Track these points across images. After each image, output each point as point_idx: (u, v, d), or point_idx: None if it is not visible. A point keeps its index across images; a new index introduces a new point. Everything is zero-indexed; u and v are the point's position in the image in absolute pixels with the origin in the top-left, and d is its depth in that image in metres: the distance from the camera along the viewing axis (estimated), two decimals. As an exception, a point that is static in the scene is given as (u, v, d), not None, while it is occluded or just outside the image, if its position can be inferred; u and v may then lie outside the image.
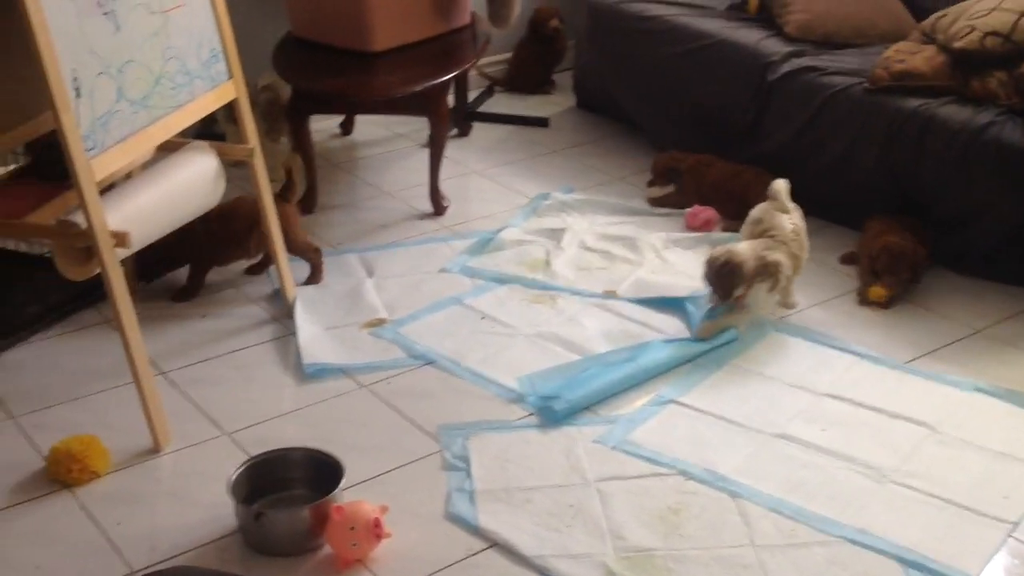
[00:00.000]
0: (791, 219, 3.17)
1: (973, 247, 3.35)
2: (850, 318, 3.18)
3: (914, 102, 3.45)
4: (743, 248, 3.07)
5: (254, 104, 3.85)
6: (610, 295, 3.28)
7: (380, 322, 3.14)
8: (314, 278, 3.33)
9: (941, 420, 2.72)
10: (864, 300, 3.24)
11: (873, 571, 2.26)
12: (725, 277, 3.03)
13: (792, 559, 2.29)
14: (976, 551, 2.32)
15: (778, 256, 3.07)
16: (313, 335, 3.06)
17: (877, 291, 3.21)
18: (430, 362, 2.93)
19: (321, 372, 2.90)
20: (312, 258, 3.34)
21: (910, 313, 3.20)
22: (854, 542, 2.34)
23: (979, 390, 2.84)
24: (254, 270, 3.36)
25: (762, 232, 3.14)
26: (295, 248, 3.28)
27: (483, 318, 3.14)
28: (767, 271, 3.05)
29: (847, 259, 3.42)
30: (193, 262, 3.26)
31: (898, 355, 3.00)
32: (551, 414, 2.72)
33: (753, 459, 2.59)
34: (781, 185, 3.21)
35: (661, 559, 2.29)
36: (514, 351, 3.00)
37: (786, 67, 3.77)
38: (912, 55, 3.58)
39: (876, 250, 3.25)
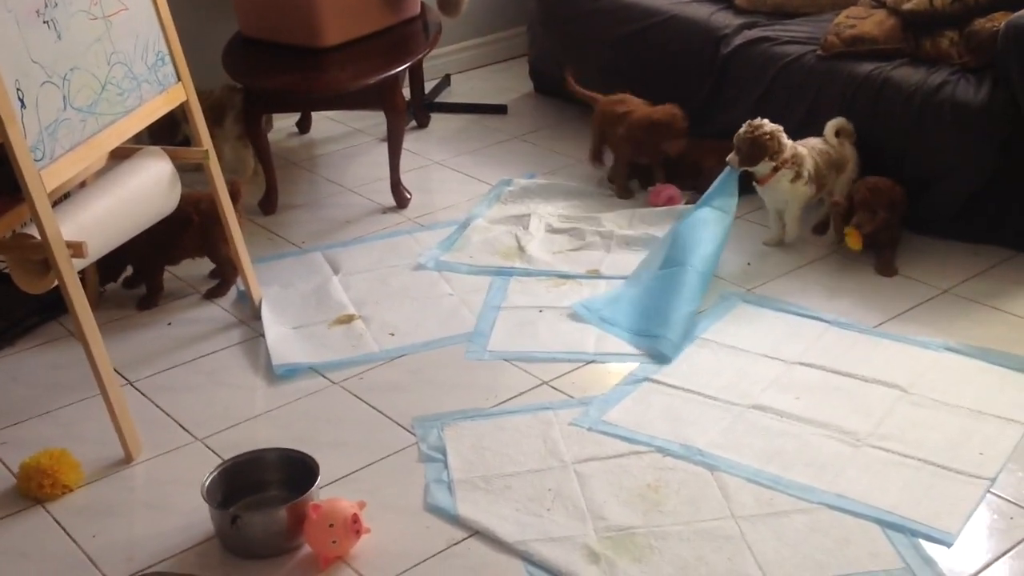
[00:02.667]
0: (825, 143, 3.38)
1: (936, 208, 3.36)
2: (818, 286, 3.18)
3: (867, 67, 3.46)
4: (785, 136, 3.28)
5: (229, 107, 3.82)
6: (593, 275, 3.27)
7: (349, 318, 3.11)
8: (219, 291, 3.27)
9: (913, 381, 2.73)
10: (842, 242, 3.29)
11: (853, 535, 2.26)
12: (758, 145, 3.24)
13: (773, 528, 2.29)
14: (955, 509, 2.33)
15: (805, 151, 3.30)
16: (281, 335, 3.03)
17: (853, 237, 3.23)
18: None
19: (292, 372, 2.88)
20: (228, 274, 3.27)
21: (877, 277, 3.21)
22: (833, 507, 2.34)
23: (949, 349, 2.85)
24: (215, 292, 3.29)
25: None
26: (217, 258, 3.24)
27: (540, 311, 3.11)
28: (796, 160, 3.26)
29: (819, 228, 3.43)
30: (137, 264, 3.21)
31: (867, 320, 3.00)
32: (662, 357, 2.86)
33: (729, 431, 2.59)
34: (838, 123, 3.41)
35: (643, 536, 2.28)
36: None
37: (738, 39, 3.77)
38: (862, 20, 3.59)
39: (855, 187, 3.30)
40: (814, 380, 2.76)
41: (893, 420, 2.60)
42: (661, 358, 2.87)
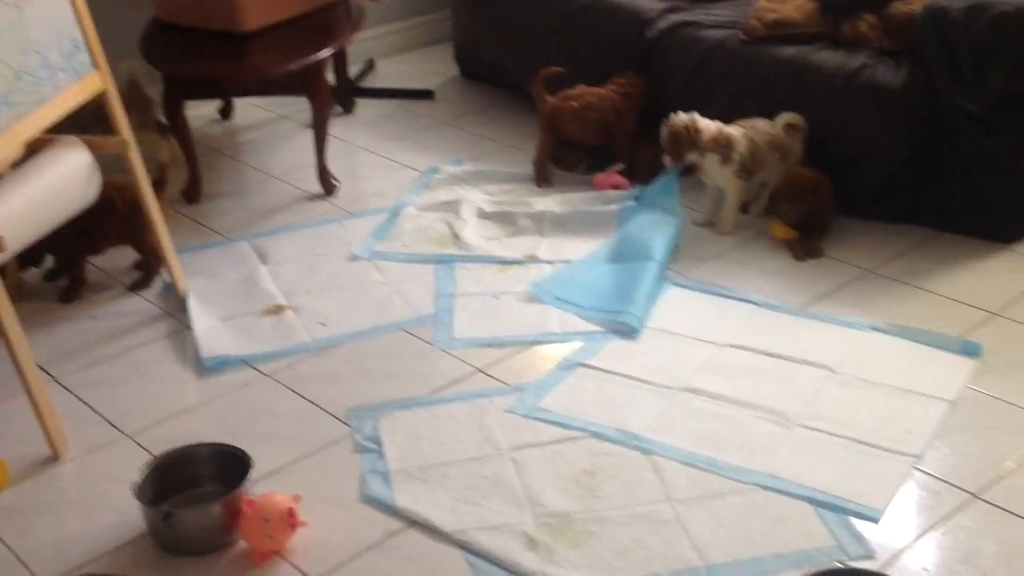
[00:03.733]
0: (773, 127, 3.41)
1: (860, 189, 3.42)
2: (747, 268, 3.22)
3: (789, 50, 3.50)
4: (705, 121, 3.34)
5: (131, 95, 3.74)
6: (531, 259, 3.27)
7: (279, 309, 3.08)
8: (144, 282, 3.22)
9: (841, 361, 2.78)
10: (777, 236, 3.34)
11: (787, 514, 2.30)
12: (677, 141, 3.33)
13: (708, 510, 2.32)
14: (884, 486, 2.38)
15: (734, 131, 3.33)
16: (210, 327, 2.98)
17: (780, 230, 3.28)
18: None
19: (222, 364, 2.83)
20: (152, 265, 3.22)
21: (805, 259, 3.26)
22: (766, 488, 2.38)
23: (875, 329, 2.91)
24: (140, 284, 3.22)
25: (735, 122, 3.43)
26: (141, 247, 3.19)
27: (495, 296, 3.10)
28: (719, 142, 3.29)
29: (747, 206, 3.48)
30: (59, 254, 3.14)
31: (795, 301, 3.05)
32: (630, 330, 2.90)
33: (663, 415, 2.61)
34: (790, 118, 3.44)
35: (580, 522, 2.29)
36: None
37: (663, 24, 3.78)
38: (783, 4, 3.64)
39: (779, 180, 3.35)
40: (745, 362, 2.80)
41: (822, 400, 2.65)
42: (628, 332, 2.90)
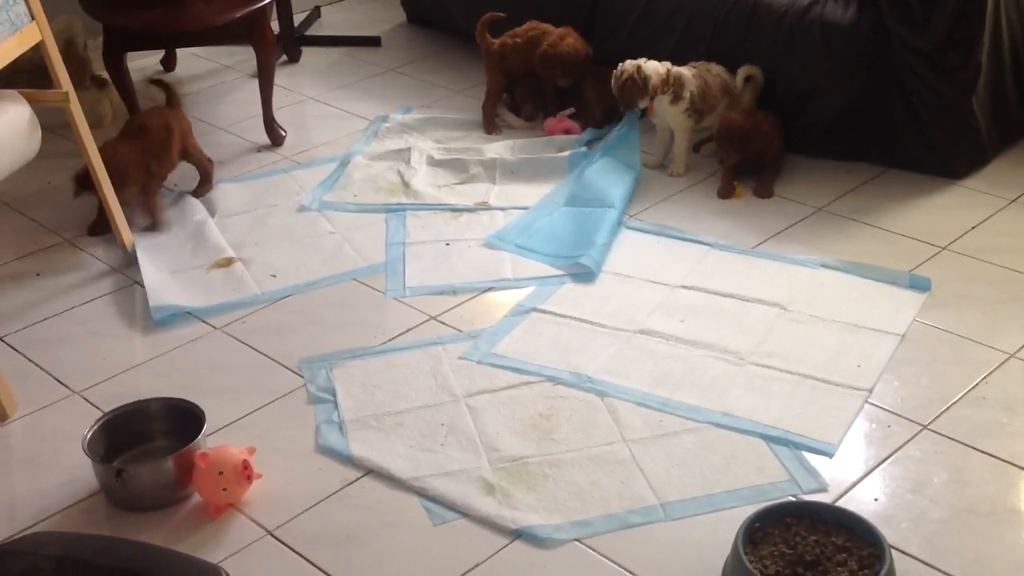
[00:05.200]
0: (727, 74, 3.43)
1: (810, 128, 3.43)
2: (699, 210, 3.22)
3: (739, -11, 3.48)
4: (651, 64, 3.33)
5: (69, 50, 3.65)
6: (482, 206, 3.25)
7: (228, 262, 3.04)
8: (203, 188, 3.39)
9: (792, 299, 2.80)
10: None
11: (740, 451, 2.32)
12: (627, 90, 3.32)
13: (663, 449, 2.33)
14: (836, 421, 2.40)
15: (683, 71, 3.34)
16: (159, 280, 2.95)
17: (739, 190, 3.29)
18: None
19: (171, 317, 2.80)
20: (207, 168, 3.40)
21: (755, 199, 3.26)
22: (720, 425, 2.39)
23: (825, 266, 2.93)
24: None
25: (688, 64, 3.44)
26: (193, 156, 3.34)
27: (447, 244, 3.08)
28: (668, 83, 3.30)
29: (698, 146, 3.47)
30: (122, 183, 3.11)
31: (746, 241, 3.06)
32: (588, 274, 2.91)
33: (617, 357, 2.62)
34: (749, 70, 3.43)
35: (536, 465, 2.30)
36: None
37: (611, -35, 3.75)
38: (733, -58, 3.60)
39: (714, 127, 3.37)
40: (698, 302, 2.81)
41: (774, 338, 2.66)
42: (585, 276, 2.90)
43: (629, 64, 3.34)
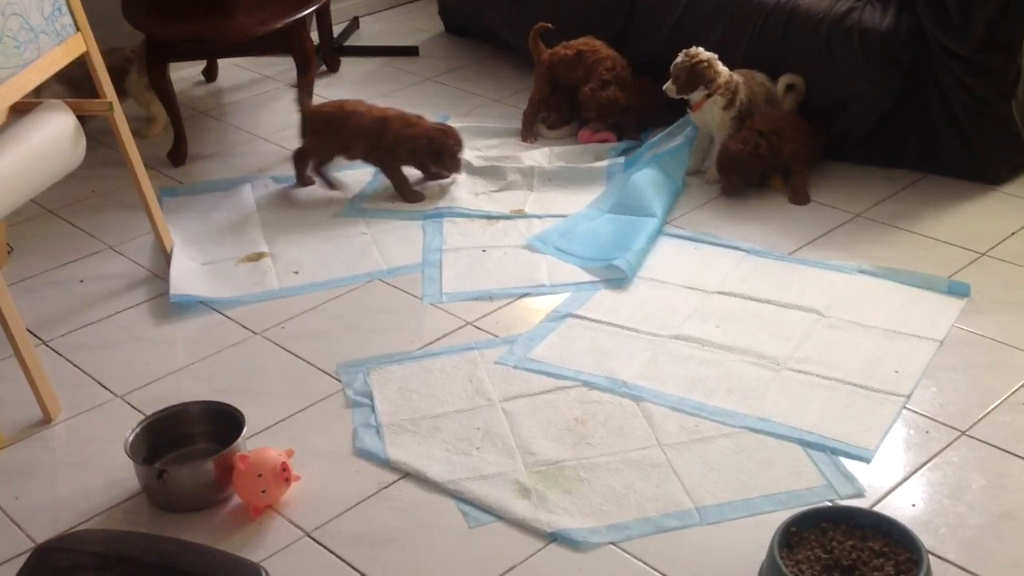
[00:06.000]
0: (770, 82, 3.45)
1: (846, 133, 3.41)
2: (733, 216, 3.22)
3: (776, -5, 3.48)
4: (720, 63, 3.33)
5: (131, 63, 3.72)
6: (518, 214, 3.27)
7: (259, 256, 3.10)
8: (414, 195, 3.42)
9: (829, 305, 2.79)
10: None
11: (776, 456, 2.31)
12: (695, 73, 3.29)
13: (698, 453, 2.33)
14: (873, 426, 2.39)
15: (740, 80, 3.35)
16: (186, 269, 3.03)
17: (775, 180, 3.33)
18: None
19: (187, 301, 2.89)
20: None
21: (790, 205, 3.26)
22: (755, 430, 2.39)
23: (862, 272, 2.91)
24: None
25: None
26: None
27: (484, 250, 3.10)
28: (729, 87, 3.30)
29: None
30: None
31: (782, 247, 3.05)
32: (624, 279, 2.91)
33: (652, 363, 2.62)
34: (792, 79, 3.44)
35: (572, 469, 2.31)
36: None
37: (649, -29, 3.76)
38: (770, -51, 3.60)
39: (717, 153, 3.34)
40: (733, 308, 2.80)
41: (811, 343, 2.66)
42: (620, 282, 2.91)
43: (704, 51, 3.32)
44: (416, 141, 3.34)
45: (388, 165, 3.39)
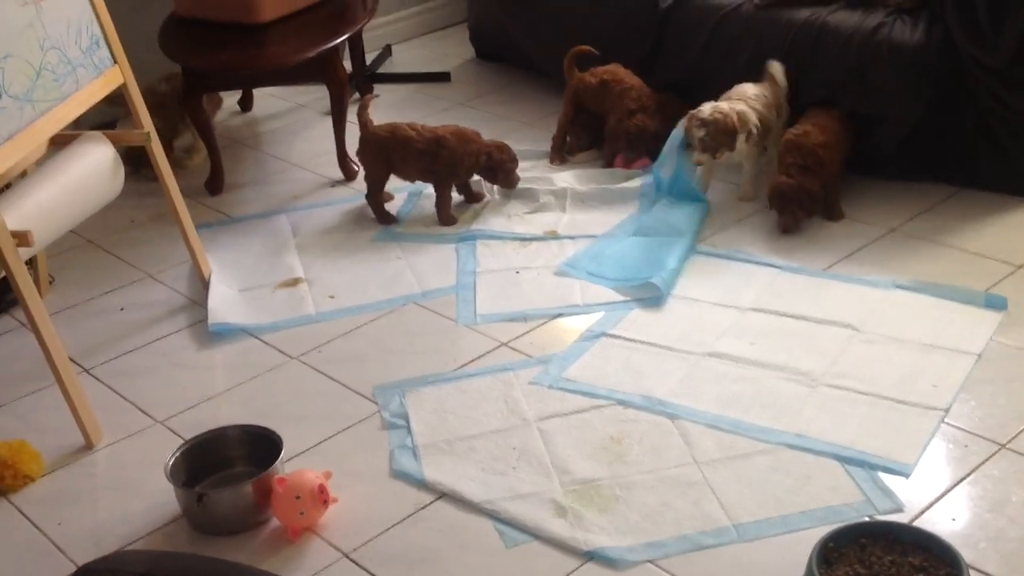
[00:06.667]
0: (760, 87, 3.39)
1: (879, 149, 3.40)
2: (767, 233, 3.21)
3: (804, 12, 3.48)
4: (723, 104, 3.26)
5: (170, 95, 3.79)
6: (551, 235, 3.29)
7: (295, 282, 3.14)
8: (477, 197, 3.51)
9: (864, 320, 2.77)
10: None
11: (814, 472, 2.30)
12: (721, 134, 3.21)
13: (735, 471, 2.33)
14: (912, 441, 2.37)
15: (740, 107, 3.27)
16: (223, 296, 3.07)
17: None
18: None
19: (225, 331, 2.92)
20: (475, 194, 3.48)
21: (824, 221, 3.24)
22: (793, 447, 2.38)
23: (898, 287, 2.90)
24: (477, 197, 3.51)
25: (723, 97, 3.37)
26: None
27: (517, 272, 3.13)
28: (741, 122, 3.24)
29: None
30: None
31: (817, 263, 3.04)
32: (657, 292, 2.92)
33: (687, 380, 2.62)
34: (775, 66, 3.42)
35: (608, 487, 2.31)
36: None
37: (676, -8, 3.77)
38: (797, -33, 3.61)
39: (768, 191, 3.24)
40: (768, 325, 2.80)
41: (847, 359, 2.64)
42: (654, 301, 2.91)
43: (706, 111, 3.23)
44: (476, 157, 3.38)
45: (444, 181, 3.40)
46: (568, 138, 3.79)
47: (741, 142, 3.28)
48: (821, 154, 3.16)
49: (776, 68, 3.42)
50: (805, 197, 3.14)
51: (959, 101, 3.28)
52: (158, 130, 2.97)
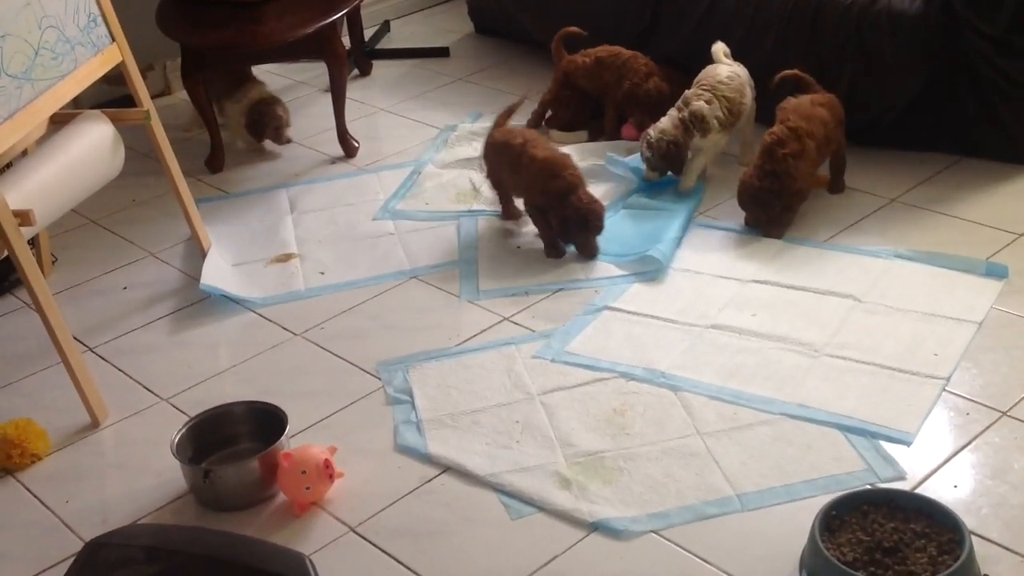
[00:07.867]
0: (728, 68, 3.33)
1: (879, 118, 3.40)
2: (768, 204, 3.21)
3: (804, -18, 3.47)
4: (669, 118, 3.25)
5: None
6: None
7: (288, 257, 3.16)
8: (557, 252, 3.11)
9: (865, 290, 2.78)
10: None
11: (816, 442, 2.31)
12: (673, 159, 3.23)
13: (737, 441, 2.34)
14: (913, 410, 2.38)
15: (700, 105, 3.23)
16: (217, 266, 3.09)
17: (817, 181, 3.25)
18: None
19: (212, 293, 2.97)
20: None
21: (824, 192, 3.24)
22: (795, 417, 2.39)
23: (899, 256, 2.90)
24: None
25: (695, 84, 3.33)
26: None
27: (519, 247, 3.13)
28: (695, 123, 3.22)
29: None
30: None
31: (818, 234, 3.05)
32: (658, 270, 2.91)
33: (689, 352, 2.63)
34: (717, 47, 3.40)
35: (612, 459, 2.32)
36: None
37: (675, -37, 3.76)
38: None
39: (738, 186, 3.13)
40: (769, 296, 2.80)
41: (848, 329, 2.65)
42: (655, 274, 2.91)
43: (653, 135, 3.21)
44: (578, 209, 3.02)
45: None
46: (553, 114, 3.77)
47: (713, 132, 3.24)
48: (790, 164, 3.01)
49: (718, 48, 3.38)
50: (769, 200, 3.04)
51: (958, 70, 3.27)
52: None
